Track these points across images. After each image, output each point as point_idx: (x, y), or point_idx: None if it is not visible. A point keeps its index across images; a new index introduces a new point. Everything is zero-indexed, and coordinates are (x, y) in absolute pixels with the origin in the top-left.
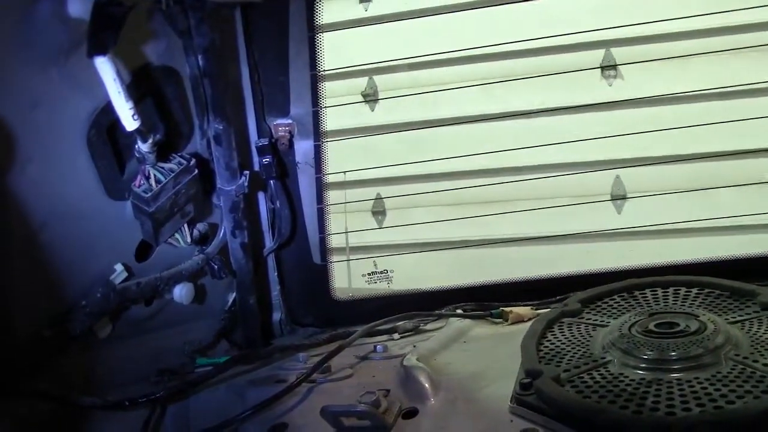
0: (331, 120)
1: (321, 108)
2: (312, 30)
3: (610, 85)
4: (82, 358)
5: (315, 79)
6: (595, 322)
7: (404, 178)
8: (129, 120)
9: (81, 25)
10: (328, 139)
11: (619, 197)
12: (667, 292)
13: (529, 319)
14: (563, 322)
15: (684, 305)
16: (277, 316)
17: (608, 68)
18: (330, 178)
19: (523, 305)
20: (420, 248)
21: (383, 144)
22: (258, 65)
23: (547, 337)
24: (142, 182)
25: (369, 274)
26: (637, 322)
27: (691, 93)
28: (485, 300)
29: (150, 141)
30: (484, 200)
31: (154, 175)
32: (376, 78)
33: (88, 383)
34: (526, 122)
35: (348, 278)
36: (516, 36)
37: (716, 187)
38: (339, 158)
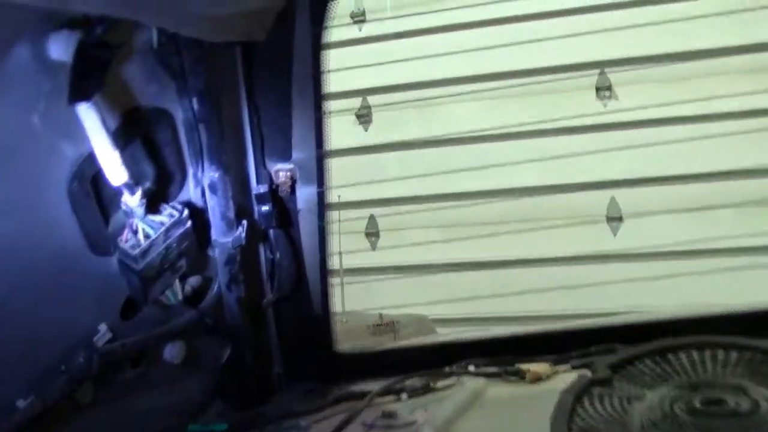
0: None
1: (326, 151)
2: (318, 69)
3: (605, 106)
4: (60, 428)
5: (320, 121)
6: (629, 393)
7: (398, 199)
8: (115, 172)
9: (64, 68)
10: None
11: (615, 219)
12: (703, 355)
13: (548, 377)
14: (593, 393)
15: (725, 373)
16: (274, 371)
17: (603, 89)
18: None
19: (540, 361)
20: (413, 271)
21: (377, 164)
22: (258, 106)
23: (578, 413)
24: (129, 237)
25: (375, 326)
26: (678, 397)
27: (685, 115)
28: (496, 354)
29: (138, 194)
30: (477, 222)
31: (143, 229)
32: (370, 98)
33: None
34: (520, 143)
35: (342, 302)
36: (511, 56)
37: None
38: (332, 179)
